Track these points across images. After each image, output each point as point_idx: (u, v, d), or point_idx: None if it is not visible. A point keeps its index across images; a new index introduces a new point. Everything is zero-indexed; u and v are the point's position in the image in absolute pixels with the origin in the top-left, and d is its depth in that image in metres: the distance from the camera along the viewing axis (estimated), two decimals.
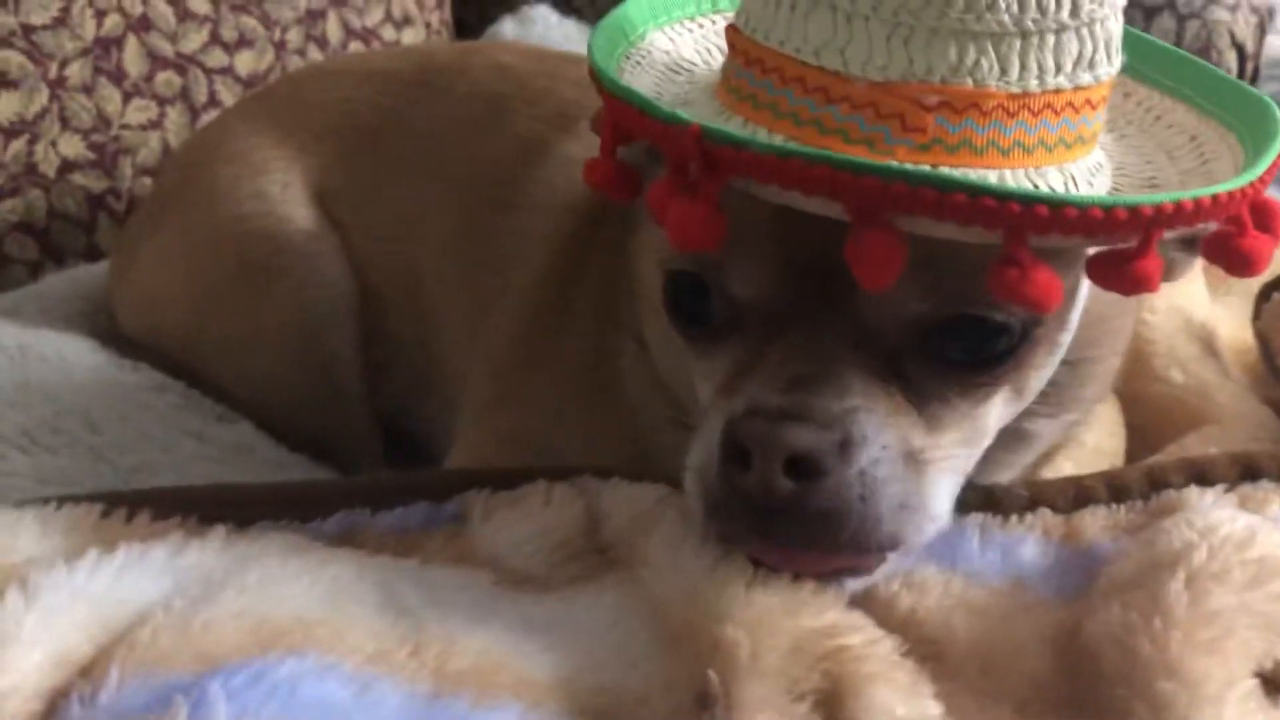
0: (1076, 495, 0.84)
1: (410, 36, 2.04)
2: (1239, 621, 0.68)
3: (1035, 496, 0.83)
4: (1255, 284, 1.25)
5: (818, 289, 0.72)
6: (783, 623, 0.68)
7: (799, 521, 0.70)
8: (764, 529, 0.72)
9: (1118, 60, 0.74)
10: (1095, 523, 0.82)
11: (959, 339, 0.74)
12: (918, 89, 0.68)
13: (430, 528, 0.82)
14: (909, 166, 0.66)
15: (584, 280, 1.05)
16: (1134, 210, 0.65)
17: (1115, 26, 0.73)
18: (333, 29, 1.89)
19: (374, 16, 1.97)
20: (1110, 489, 0.84)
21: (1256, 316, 1.22)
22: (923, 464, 0.73)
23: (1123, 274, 0.67)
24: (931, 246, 0.67)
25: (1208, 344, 1.24)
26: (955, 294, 0.72)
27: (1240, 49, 1.78)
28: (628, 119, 0.75)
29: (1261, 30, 1.86)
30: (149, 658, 0.66)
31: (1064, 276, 0.71)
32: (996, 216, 0.63)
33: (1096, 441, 1.04)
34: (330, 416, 1.26)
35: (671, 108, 0.78)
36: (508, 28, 2.05)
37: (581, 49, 2.00)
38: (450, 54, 1.35)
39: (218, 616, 0.69)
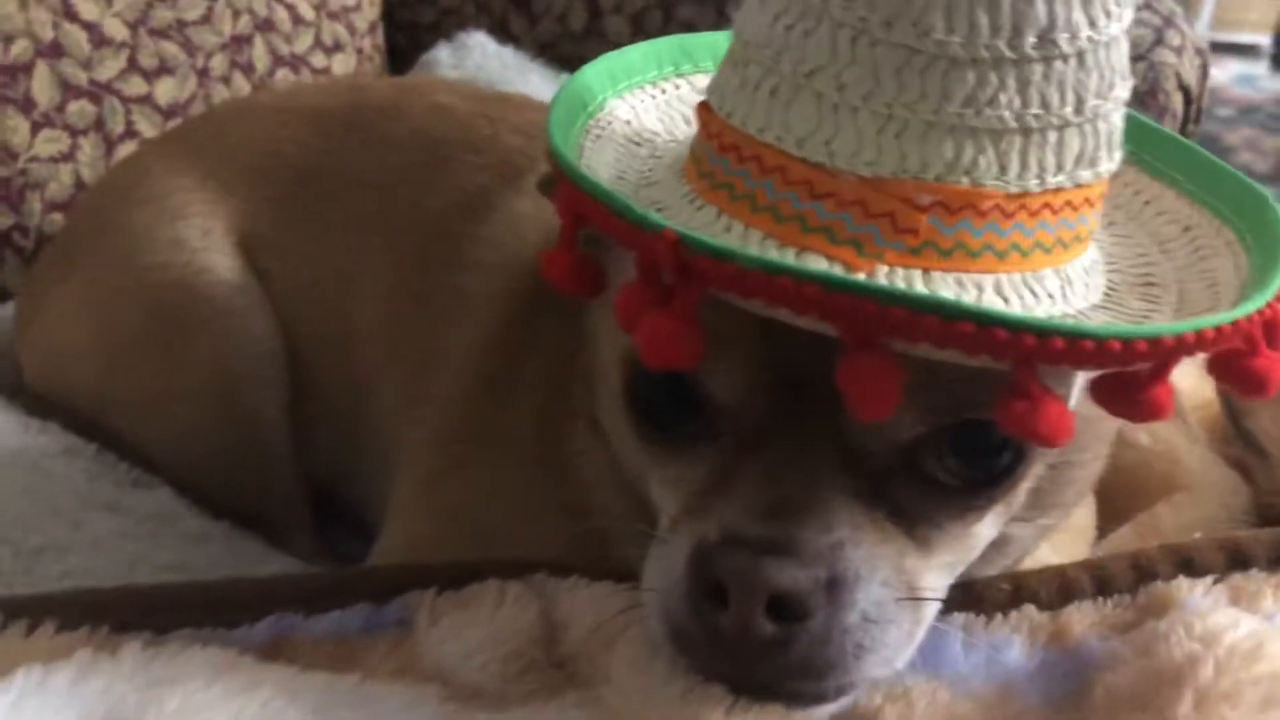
0: (1061, 588, 0.79)
1: (341, 64, 1.95)
2: None
3: (1018, 591, 0.79)
4: None
5: (803, 401, 0.66)
6: None
7: (780, 667, 0.64)
8: (739, 671, 0.66)
9: (1119, 154, 0.70)
10: (1083, 620, 0.77)
11: (953, 455, 0.68)
12: (911, 187, 0.62)
13: (371, 633, 0.75)
14: (910, 290, 0.60)
15: (533, 349, 0.98)
16: (1155, 341, 0.60)
17: (1118, 119, 0.68)
18: (259, 56, 1.80)
19: (303, 43, 1.88)
20: (1095, 581, 0.80)
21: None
22: (918, 599, 0.68)
23: (1134, 401, 0.63)
24: (927, 367, 0.62)
25: (1174, 404, 1.22)
26: (954, 406, 0.66)
27: (1186, 91, 1.78)
28: (591, 212, 0.68)
29: (1204, 71, 1.85)
30: None
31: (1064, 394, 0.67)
32: (1007, 348, 0.58)
33: (1073, 518, 1.00)
34: (255, 481, 1.17)
35: (636, 190, 0.72)
36: (443, 54, 1.97)
37: (518, 77, 1.96)
38: (385, 92, 1.28)
39: None
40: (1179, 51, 1.76)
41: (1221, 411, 1.19)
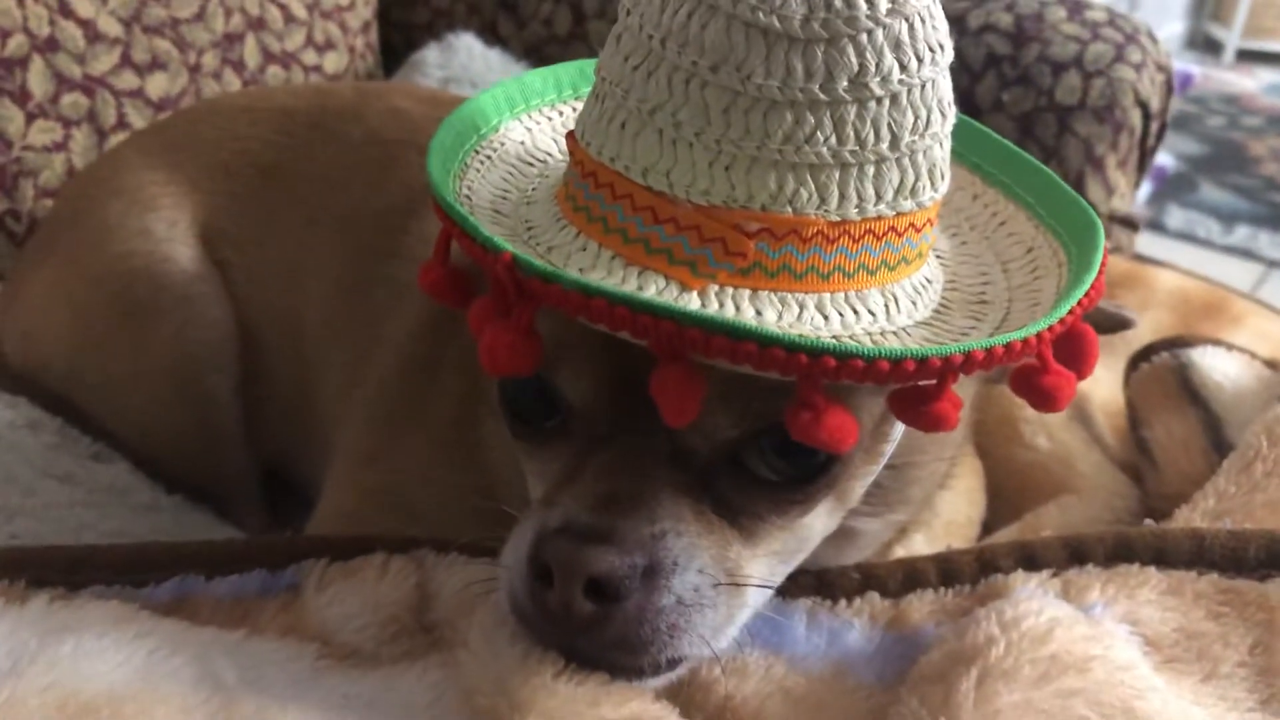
0: (906, 578, 0.86)
1: (333, 61, 2.03)
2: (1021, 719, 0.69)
3: (866, 579, 0.85)
4: (1136, 346, 1.28)
5: (637, 404, 0.72)
6: (584, 713, 0.69)
7: (599, 641, 0.71)
8: (567, 645, 0.73)
9: (944, 184, 0.75)
10: (923, 607, 0.84)
11: (775, 454, 0.75)
12: (739, 215, 0.69)
13: (265, 596, 0.83)
14: (704, 313, 0.66)
15: (453, 338, 1.05)
16: (922, 362, 0.65)
17: (940, 152, 0.74)
18: (250, 53, 1.88)
19: (295, 40, 1.96)
20: (941, 572, 0.86)
21: (1126, 383, 1.25)
22: (738, 586, 0.74)
23: (919, 414, 0.68)
24: (739, 376, 0.68)
25: (1078, 409, 1.27)
26: (765, 411, 0.72)
27: (1144, 106, 1.81)
28: (454, 232, 0.75)
29: (1168, 88, 1.89)
30: None
31: (873, 402, 0.72)
32: (786, 365, 0.64)
33: (951, 512, 1.07)
34: (207, 458, 1.26)
35: (516, 207, 0.79)
36: (431, 55, 2.04)
37: (502, 77, 2.02)
38: (348, 95, 1.35)
39: (22, 692, 0.69)
40: (1139, 68, 1.80)
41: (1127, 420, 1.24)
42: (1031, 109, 1.79)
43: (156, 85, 1.75)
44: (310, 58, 1.99)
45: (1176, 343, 1.22)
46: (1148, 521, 0.95)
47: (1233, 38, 6.19)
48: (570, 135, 0.78)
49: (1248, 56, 6.28)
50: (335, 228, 1.23)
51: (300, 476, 1.31)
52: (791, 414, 0.66)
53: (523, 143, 0.89)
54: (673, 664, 0.74)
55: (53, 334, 1.30)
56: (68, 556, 0.83)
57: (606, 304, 0.66)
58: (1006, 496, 1.17)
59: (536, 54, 2.10)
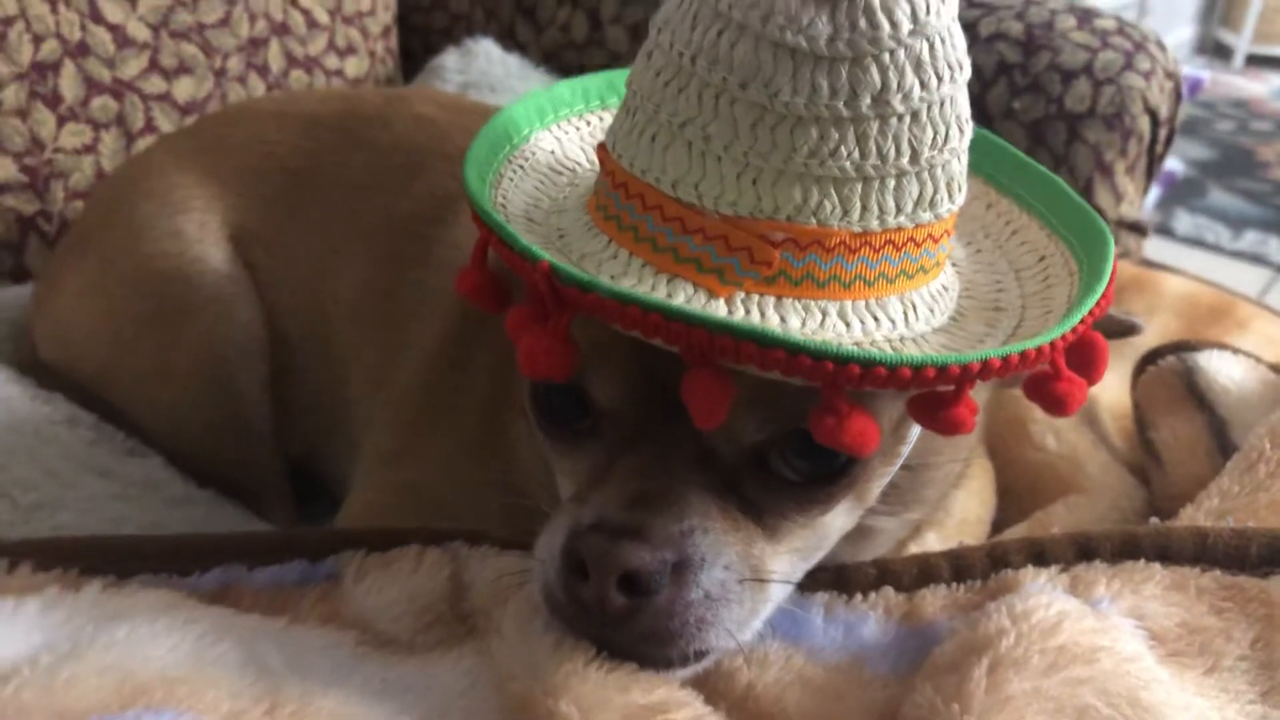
0: (920, 573, 0.89)
1: (354, 66, 2.07)
2: (1032, 707, 0.72)
3: (881, 574, 0.88)
4: (1143, 349, 1.31)
5: (667, 406, 0.75)
6: (614, 699, 0.72)
7: (631, 634, 0.75)
8: (599, 636, 0.76)
9: (961, 196, 0.78)
10: (936, 601, 0.87)
11: (797, 455, 0.78)
12: (765, 226, 0.72)
13: (304, 585, 0.86)
14: (733, 321, 0.69)
15: (483, 342, 1.09)
16: (942, 369, 0.68)
17: (958, 166, 0.77)
18: (274, 57, 1.92)
19: (317, 45, 2.00)
20: (953, 568, 0.89)
21: (1133, 386, 1.28)
22: (762, 581, 0.78)
23: (937, 418, 0.71)
24: (765, 381, 0.71)
25: (1086, 411, 1.30)
26: (790, 415, 0.75)
27: (1153, 114, 1.84)
28: (492, 240, 0.78)
29: (1177, 95, 1.92)
30: (10, 714, 0.69)
31: (892, 406, 0.75)
32: (812, 372, 0.67)
33: (963, 511, 1.10)
34: (238, 454, 1.29)
35: (547, 216, 0.82)
36: (450, 60, 2.08)
37: (519, 83, 2.06)
38: (375, 101, 1.38)
39: (82, 673, 0.72)
40: (1148, 76, 1.82)
41: (1134, 422, 1.27)
42: (1042, 116, 1.82)
43: (183, 89, 1.79)
44: (332, 62, 2.03)
45: (1183, 346, 1.25)
46: (1153, 520, 0.98)
47: (1242, 43, 6.21)
48: (601, 147, 0.81)
49: (1257, 61, 6.30)
50: (363, 232, 1.27)
51: (327, 472, 1.35)
52: (816, 418, 0.69)
53: (553, 152, 0.92)
54: (700, 655, 0.77)
55: (86, 332, 1.33)
56: (118, 546, 0.86)
57: (640, 311, 0.69)
58: (1015, 496, 1.20)
59: (555, 59, 2.13)
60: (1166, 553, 0.89)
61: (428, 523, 1.03)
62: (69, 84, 1.66)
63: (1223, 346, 1.25)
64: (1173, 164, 3.72)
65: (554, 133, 0.94)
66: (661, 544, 0.73)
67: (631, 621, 0.74)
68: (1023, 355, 0.70)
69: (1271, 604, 0.86)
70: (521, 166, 0.89)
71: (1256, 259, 3.94)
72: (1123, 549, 0.90)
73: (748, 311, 0.73)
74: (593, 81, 0.97)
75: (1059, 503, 1.16)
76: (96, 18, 1.69)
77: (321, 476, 1.36)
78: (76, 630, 0.76)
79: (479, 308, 0.83)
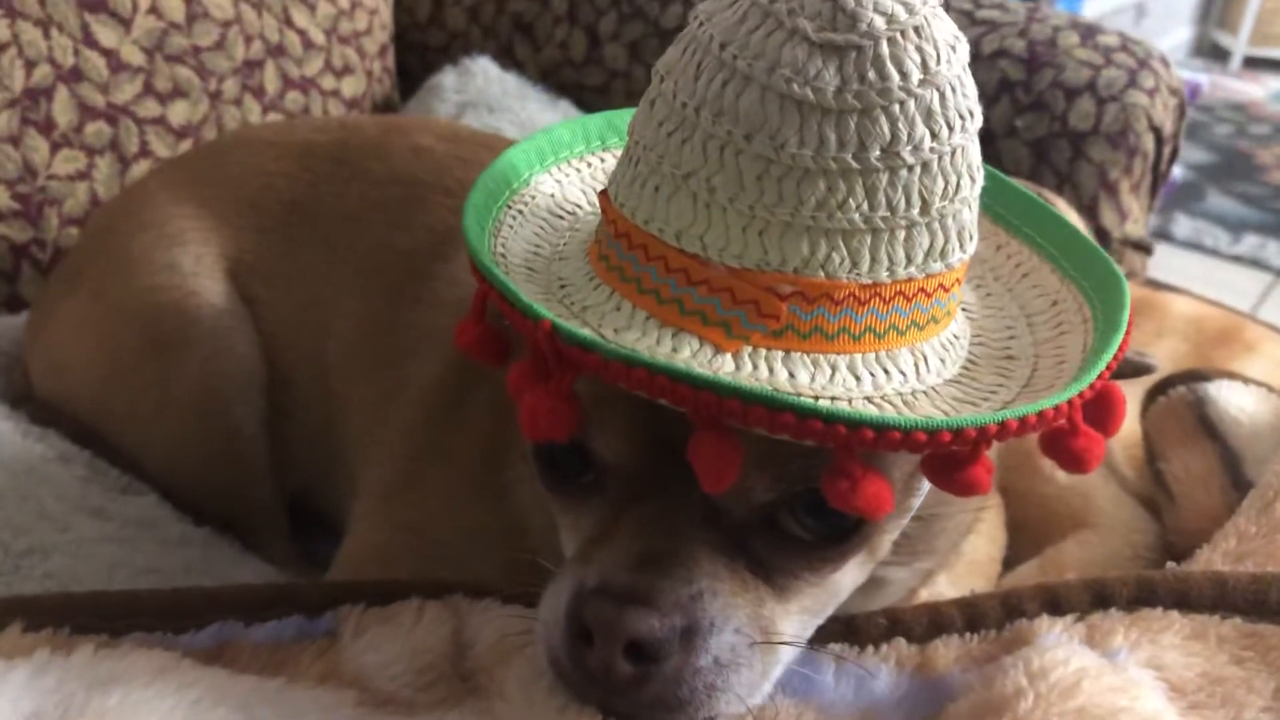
0: (932, 623, 0.87)
1: (351, 86, 2.05)
2: None
3: (892, 625, 0.86)
4: (1154, 376, 1.29)
5: (672, 463, 0.73)
6: None
7: (638, 701, 0.72)
8: (605, 703, 0.74)
9: (973, 245, 0.76)
10: (949, 653, 0.85)
11: (808, 514, 0.76)
12: (772, 278, 0.70)
13: (302, 641, 0.84)
14: (743, 385, 0.67)
15: (482, 383, 1.07)
16: (958, 432, 0.66)
17: (968, 215, 0.75)
18: (270, 79, 1.90)
19: (313, 66, 1.98)
20: (966, 617, 0.87)
21: (1143, 416, 1.26)
22: (772, 644, 0.76)
23: (953, 479, 0.69)
24: (775, 441, 0.69)
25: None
26: (801, 475, 0.74)
27: (1158, 131, 1.83)
28: (492, 294, 0.76)
29: (1181, 112, 1.90)
30: None
31: (905, 460, 0.74)
32: (824, 436, 0.65)
33: (973, 551, 1.08)
34: (234, 490, 1.27)
35: (548, 264, 0.80)
36: (448, 80, 2.06)
37: (518, 102, 2.04)
38: (372, 131, 1.36)
39: None
40: (1152, 94, 1.81)
41: (1144, 452, 1.25)
42: (1045, 134, 1.80)
43: (178, 113, 1.77)
44: (329, 83, 2.01)
45: (1193, 376, 1.23)
46: (1170, 565, 0.96)
47: (1240, 45, 6.20)
48: (603, 195, 0.79)
49: (1255, 64, 6.29)
50: (360, 266, 1.25)
51: (326, 507, 1.33)
52: (829, 482, 0.67)
53: (552, 195, 0.90)
54: None
55: (80, 366, 1.31)
56: (110, 604, 0.84)
57: (646, 374, 0.67)
58: (1025, 530, 1.18)
59: (553, 77, 2.12)
60: (1185, 599, 0.87)
61: (427, 564, 1.02)
62: (62, 110, 1.64)
63: (1233, 376, 1.23)
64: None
65: (554, 175, 0.92)
66: (670, 610, 0.71)
67: (639, 689, 0.72)
68: (1040, 415, 0.68)
69: None
70: (521, 211, 0.87)
71: (1256, 263, 3.93)
72: (1139, 595, 0.88)
73: (755, 367, 0.71)
74: (593, 122, 0.95)
75: (1070, 540, 1.14)
76: (90, 42, 1.67)
77: (320, 511, 1.34)
78: (68, 697, 0.74)
79: (479, 361, 0.81)
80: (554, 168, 0.92)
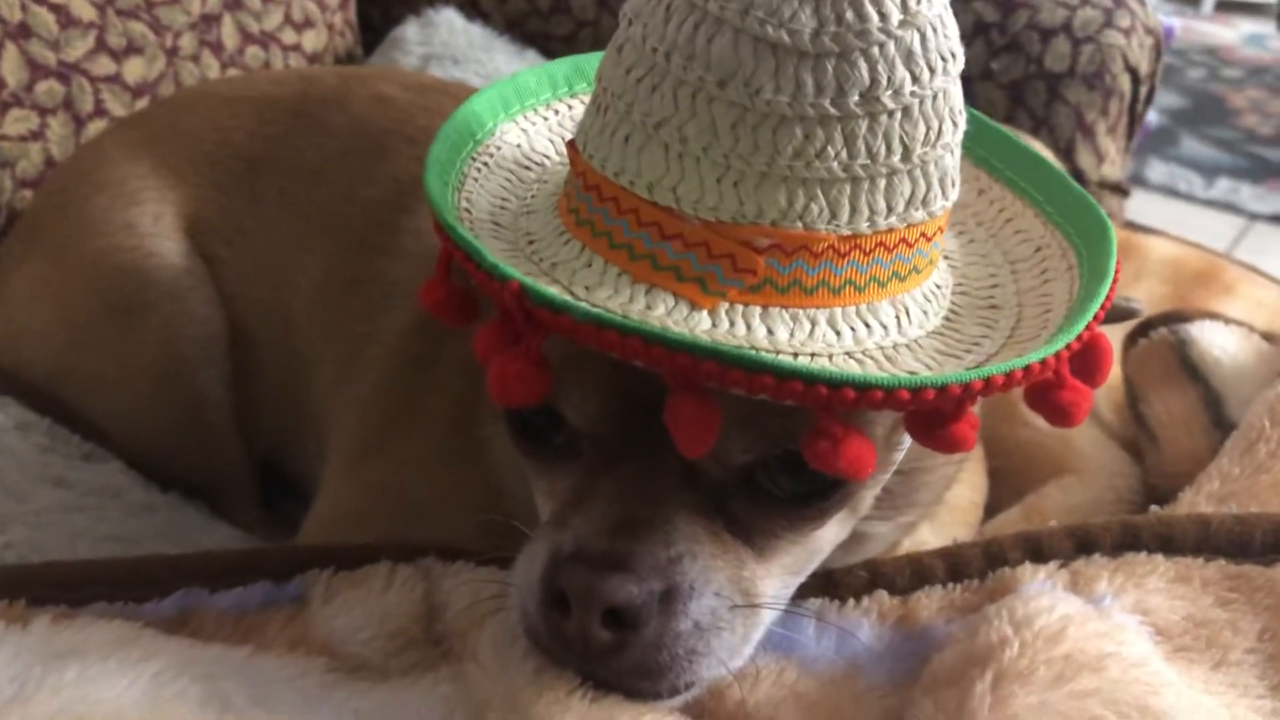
0: (914, 574, 0.85)
1: (312, 40, 2.00)
2: None
3: (874, 577, 0.85)
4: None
5: (648, 425, 0.71)
6: None
7: (617, 668, 0.70)
8: (583, 669, 0.72)
9: (955, 191, 0.74)
10: (931, 604, 0.84)
11: (787, 474, 0.74)
12: (749, 231, 0.68)
13: (269, 608, 0.82)
14: (720, 346, 0.65)
15: (450, 337, 1.03)
16: (942, 389, 0.64)
17: (950, 161, 0.72)
18: (229, 34, 1.85)
19: (273, 20, 1.93)
20: (949, 567, 0.86)
21: (1124, 358, 1.24)
22: (753, 606, 0.74)
23: (937, 436, 0.67)
24: (753, 401, 0.66)
25: None
26: (780, 435, 0.71)
27: (1134, 72, 1.81)
28: (456, 254, 0.73)
29: (1157, 52, 1.88)
30: None
31: (886, 416, 0.72)
32: (804, 397, 0.63)
33: (955, 498, 1.06)
34: (200, 455, 1.24)
35: (515, 218, 0.77)
36: (411, 31, 2.01)
37: (484, 54, 2.00)
38: (332, 81, 1.32)
39: (30, 718, 0.68)
40: (1128, 33, 1.78)
41: (1125, 395, 1.24)
42: (1021, 77, 1.78)
43: (133, 70, 1.72)
44: (289, 37, 1.95)
45: (1174, 317, 1.22)
46: (1153, 508, 0.95)
47: None
48: (571, 145, 0.76)
49: (1226, 7, 6.26)
50: (323, 220, 1.21)
51: (294, 470, 1.30)
52: (809, 443, 0.65)
53: (519, 145, 0.87)
54: (689, 686, 0.73)
55: (38, 331, 1.28)
56: (68, 574, 0.81)
57: (619, 335, 0.64)
58: (1006, 475, 1.17)
59: (519, 27, 2.07)
60: (1169, 543, 0.86)
61: (399, 526, 1.00)
62: (11, 68, 1.58)
63: (1214, 316, 1.22)
64: None
65: (520, 124, 0.88)
66: (648, 574, 0.69)
67: (618, 656, 0.70)
68: (1026, 370, 0.66)
69: (1278, 593, 0.83)
70: (486, 163, 0.84)
71: (1229, 207, 3.93)
72: (1123, 540, 0.87)
73: (732, 323, 0.69)
74: (559, 68, 0.92)
75: (1051, 484, 1.13)
76: None
77: (288, 474, 1.31)
78: (23, 671, 0.71)
79: (444, 323, 0.78)
80: (520, 116, 0.89)
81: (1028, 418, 1.21)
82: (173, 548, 1.08)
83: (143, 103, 1.71)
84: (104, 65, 1.69)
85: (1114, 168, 1.82)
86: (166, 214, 1.26)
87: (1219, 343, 1.16)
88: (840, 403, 0.63)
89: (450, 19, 2.02)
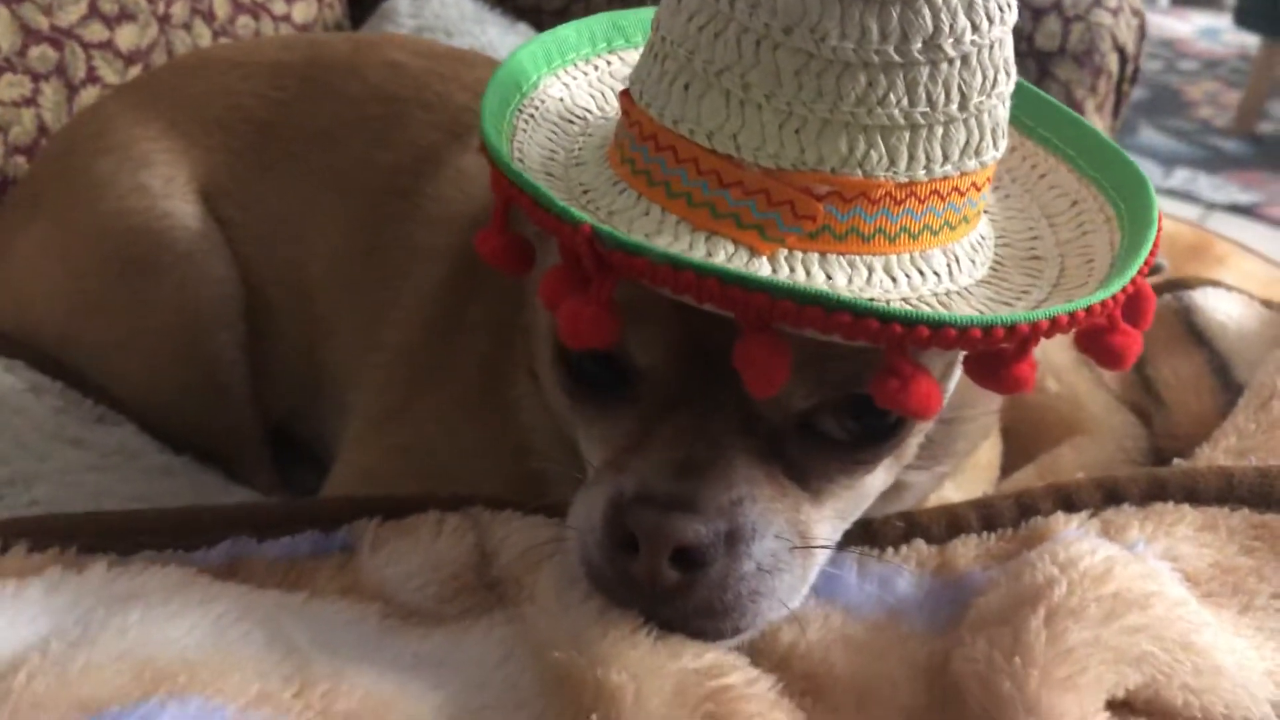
0: (949, 524, 0.87)
1: (301, 11, 1.98)
2: (1094, 657, 0.71)
3: (910, 527, 0.87)
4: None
5: (712, 369, 0.72)
6: (666, 665, 0.70)
7: (683, 608, 0.72)
8: (648, 610, 0.73)
9: (1004, 143, 0.76)
10: (967, 552, 0.85)
11: (846, 417, 0.75)
12: (808, 178, 0.69)
13: (318, 557, 0.82)
14: (795, 285, 0.66)
15: (478, 298, 1.04)
16: (1011, 328, 0.66)
17: (1002, 112, 0.74)
18: (220, 3, 1.83)
19: None
20: (982, 517, 0.88)
21: None
22: (809, 548, 0.75)
23: (999, 376, 0.69)
24: (819, 344, 0.68)
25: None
26: (842, 380, 0.73)
27: (1121, 51, 1.84)
28: (520, 200, 0.73)
29: (1141, 32, 1.92)
30: (24, 706, 0.65)
31: (939, 362, 0.73)
32: (879, 335, 0.64)
33: (975, 456, 1.08)
34: (215, 418, 1.24)
35: (565, 169, 0.77)
36: (402, 4, 2.00)
37: (476, 26, 1.99)
38: (342, 48, 1.32)
39: (98, 660, 0.68)
40: (1115, 13, 1.82)
41: None
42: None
43: (126, 37, 1.70)
44: (279, 7, 1.94)
45: (1177, 285, 1.25)
46: (1176, 461, 0.98)
47: None
48: (625, 95, 0.77)
49: (1182, 1, 6.37)
50: (339, 185, 1.21)
51: (309, 434, 1.30)
52: (879, 382, 0.67)
53: (561, 100, 0.88)
54: (751, 625, 0.75)
55: (47, 295, 1.26)
56: (114, 521, 0.81)
57: (695, 276, 0.65)
58: (1018, 438, 1.19)
59: (510, 1, 2.07)
60: (1194, 494, 0.88)
61: (423, 486, 1.00)
62: (4, 33, 1.56)
63: (1216, 284, 1.25)
64: None
65: (561, 78, 0.89)
66: (713, 515, 0.70)
67: (685, 596, 0.71)
68: (1088, 310, 0.68)
69: None
70: (533, 116, 0.85)
71: (1187, 196, 4.01)
72: (1150, 491, 0.89)
73: (792, 270, 0.70)
74: (597, 24, 0.93)
75: (1065, 445, 1.15)
76: None
77: (302, 439, 1.30)
78: (86, 613, 0.71)
79: (503, 272, 0.78)
80: (561, 70, 0.89)
81: (1040, 382, 1.24)
82: None
83: (135, 69, 1.69)
84: (97, 31, 1.67)
85: None
86: (178, 176, 1.25)
87: (1223, 308, 1.19)
88: (914, 341, 0.64)
89: None
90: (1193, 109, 4.87)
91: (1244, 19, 4.57)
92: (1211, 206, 3.96)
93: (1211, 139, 4.52)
